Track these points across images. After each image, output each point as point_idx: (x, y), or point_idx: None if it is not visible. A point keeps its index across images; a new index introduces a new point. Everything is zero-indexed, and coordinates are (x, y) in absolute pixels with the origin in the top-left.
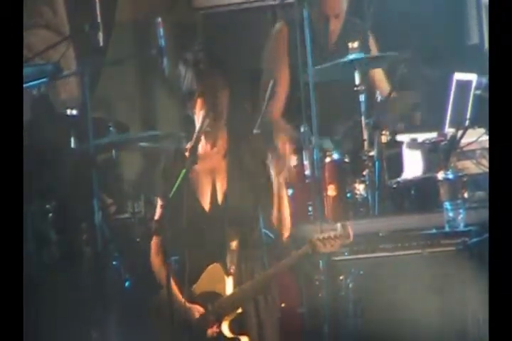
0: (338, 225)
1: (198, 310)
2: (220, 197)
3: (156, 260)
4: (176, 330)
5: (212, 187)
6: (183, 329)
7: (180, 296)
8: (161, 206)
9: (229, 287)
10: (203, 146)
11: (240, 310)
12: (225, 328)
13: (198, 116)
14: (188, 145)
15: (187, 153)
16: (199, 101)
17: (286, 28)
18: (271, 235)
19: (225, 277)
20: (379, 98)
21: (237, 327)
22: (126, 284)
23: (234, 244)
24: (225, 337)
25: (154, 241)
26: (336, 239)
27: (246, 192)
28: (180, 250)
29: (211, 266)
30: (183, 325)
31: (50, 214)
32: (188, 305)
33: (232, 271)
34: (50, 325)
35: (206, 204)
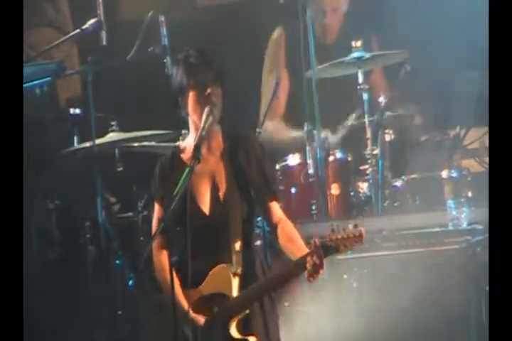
0: (350, 225)
1: (203, 313)
2: (219, 199)
3: (158, 259)
4: (179, 331)
5: (211, 189)
6: (186, 329)
7: (183, 298)
8: (160, 206)
9: (235, 288)
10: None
11: (247, 311)
12: (233, 329)
13: (193, 114)
14: (185, 145)
15: (183, 155)
16: (191, 97)
17: (284, 33)
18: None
19: (232, 278)
20: (382, 96)
21: (245, 328)
22: (130, 283)
23: (238, 245)
24: (233, 338)
25: (156, 241)
26: (349, 239)
27: (245, 193)
28: (183, 251)
29: (217, 267)
30: (186, 325)
31: (54, 213)
32: (191, 306)
33: (238, 271)
34: (52, 324)
35: (206, 208)
